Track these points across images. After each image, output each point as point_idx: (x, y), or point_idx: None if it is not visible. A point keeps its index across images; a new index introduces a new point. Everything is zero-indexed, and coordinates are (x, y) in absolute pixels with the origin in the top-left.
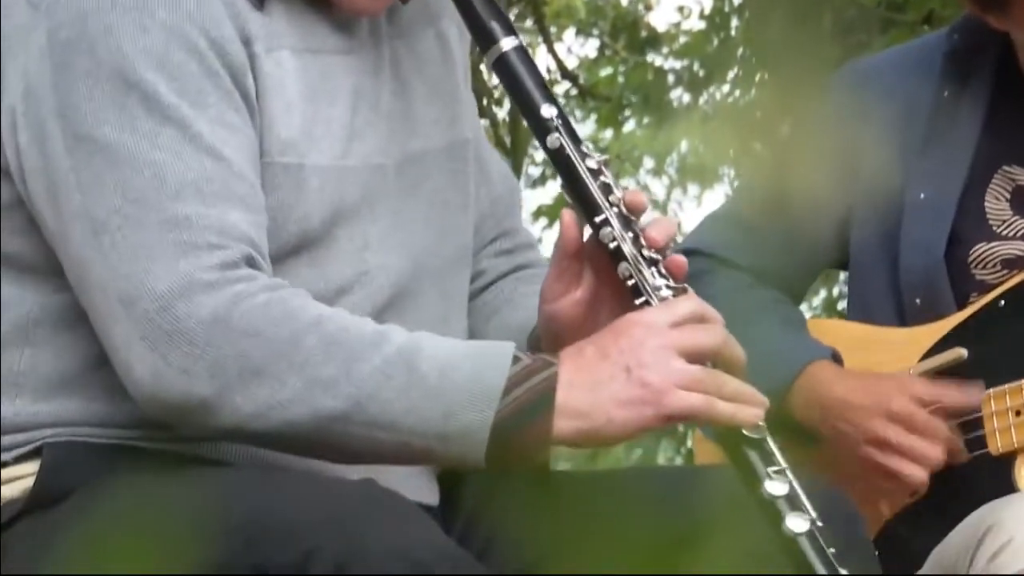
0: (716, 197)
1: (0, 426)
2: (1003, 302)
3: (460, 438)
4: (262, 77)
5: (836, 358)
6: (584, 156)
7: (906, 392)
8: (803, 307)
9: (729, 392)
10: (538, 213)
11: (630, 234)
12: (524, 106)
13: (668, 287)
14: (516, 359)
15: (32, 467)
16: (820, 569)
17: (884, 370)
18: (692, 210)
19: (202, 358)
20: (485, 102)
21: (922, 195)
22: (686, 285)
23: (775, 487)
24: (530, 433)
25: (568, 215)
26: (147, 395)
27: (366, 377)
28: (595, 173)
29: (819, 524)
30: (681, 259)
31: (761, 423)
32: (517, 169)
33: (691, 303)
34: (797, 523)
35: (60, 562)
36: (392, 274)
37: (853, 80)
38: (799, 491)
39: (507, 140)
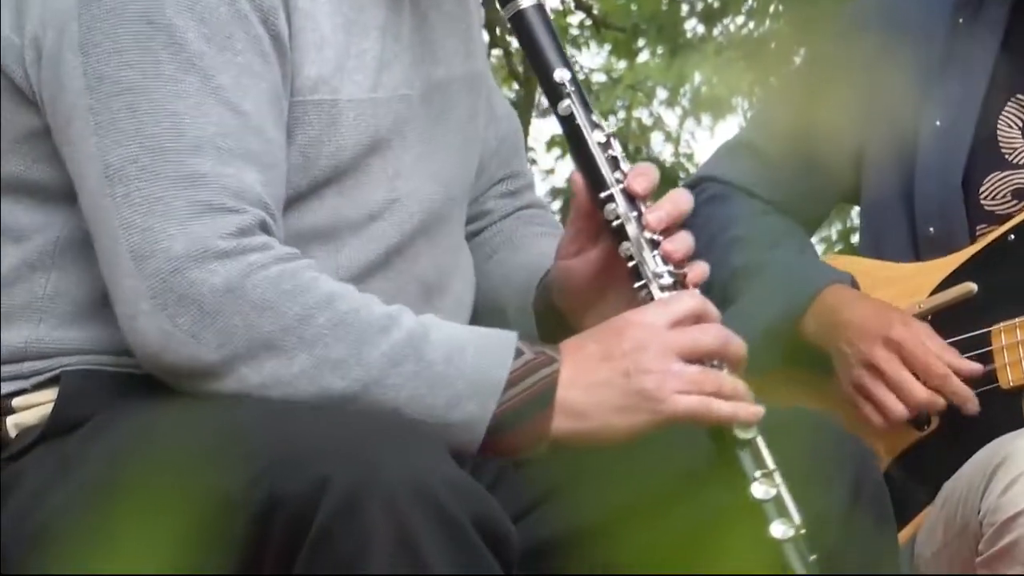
0: (729, 128)
1: (24, 352)
2: (1013, 236)
3: (459, 427)
4: (297, 15)
5: (854, 284)
6: (594, 127)
7: (911, 324)
8: (815, 240)
9: (728, 390)
10: (552, 143)
11: (634, 212)
12: (538, 67)
13: (670, 273)
14: (519, 352)
15: (51, 394)
16: None
17: (896, 305)
18: (705, 141)
19: (212, 326)
20: (498, 31)
21: (937, 122)
22: (686, 271)
23: (762, 490)
24: (527, 429)
25: (579, 177)
26: (151, 354)
27: (375, 362)
28: (603, 146)
29: (803, 531)
30: (684, 242)
31: (755, 423)
32: (529, 98)
33: (691, 301)
34: (781, 529)
35: (75, 489)
36: (422, 201)
37: (867, 9)
38: (785, 495)
39: (520, 70)
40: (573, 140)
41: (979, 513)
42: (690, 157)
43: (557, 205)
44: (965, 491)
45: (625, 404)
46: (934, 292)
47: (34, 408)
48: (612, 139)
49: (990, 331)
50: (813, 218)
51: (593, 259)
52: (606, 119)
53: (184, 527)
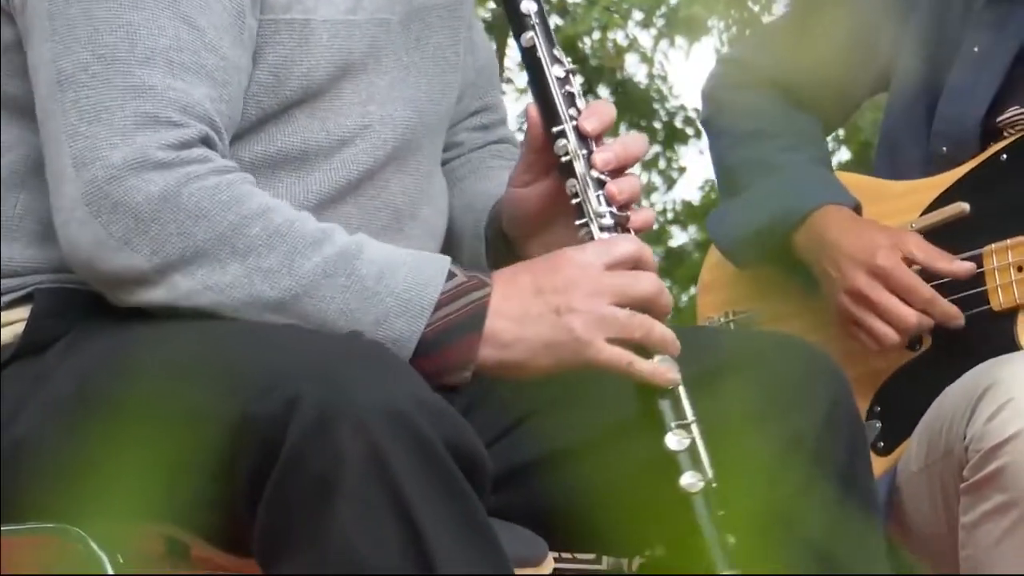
0: (705, 51)
1: None
2: (1005, 156)
3: (388, 345)
4: None
5: (857, 209)
6: (554, 61)
7: (897, 248)
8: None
9: (655, 339)
10: None
11: (584, 151)
12: None
13: (612, 215)
14: (451, 275)
15: (24, 312)
16: (708, 532)
17: (886, 223)
18: (680, 63)
19: (146, 233)
20: None
21: (976, 48)
22: (628, 214)
23: (675, 441)
24: (455, 351)
25: (534, 111)
26: (83, 260)
27: (307, 272)
28: (561, 81)
29: (714, 485)
30: (629, 185)
31: (678, 375)
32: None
33: (630, 245)
34: (692, 481)
35: (48, 405)
36: (396, 127)
37: None
38: (700, 447)
39: None
40: (532, 72)
41: (964, 439)
42: (664, 78)
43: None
44: (950, 415)
45: (552, 340)
46: (927, 211)
47: (7, 326)
48: (571, 75)
49: (981, 252)
50: (837, 115)
51: (543, 191)
52: (582, 41)
53: (156, 444)
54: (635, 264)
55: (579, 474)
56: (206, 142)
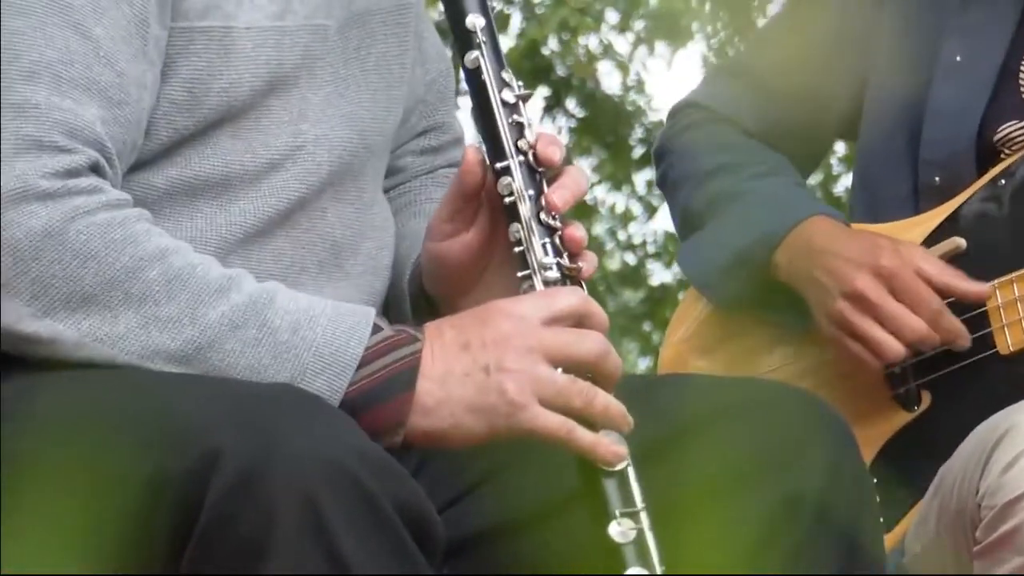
0: (689, 58)
1: None
2: (1003, 181)
3: None
4: None
5: (846, 224)
6: (503, 85)
7: (902, 255)
8: None
9: (597, 409)
10: None
11: (531, 191)
12: (451, 10)
13: (560, 266)
14: (376, 328)
15: None
16: None
17: None
18: (660, 72)
19: (26, 273)
20: None
21: (958, 57)
22: (581, 265)
23: (619, 531)
24: (383, 413)
25: (473, 153)
26: None
27: (212, 323)
28: (509, 108)
29: None
30: (579, 233)
31: (624, 453)
32: None
33: (574, 298)
34: None
35: None
36: (333, 149)
37: None
38: (649, 539)
39: None
40: (477, 98)
41: (977, 495)
42: (641, 89)
43: None
44: (961, 472)
45: (479, 403)
46: None
47: None
48: (522, 102)
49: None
50: (806, 156)
51: (468, 244)
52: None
53: (57, 507)
54: (579, 321)
55: (541, 545)
56: (96, 170)
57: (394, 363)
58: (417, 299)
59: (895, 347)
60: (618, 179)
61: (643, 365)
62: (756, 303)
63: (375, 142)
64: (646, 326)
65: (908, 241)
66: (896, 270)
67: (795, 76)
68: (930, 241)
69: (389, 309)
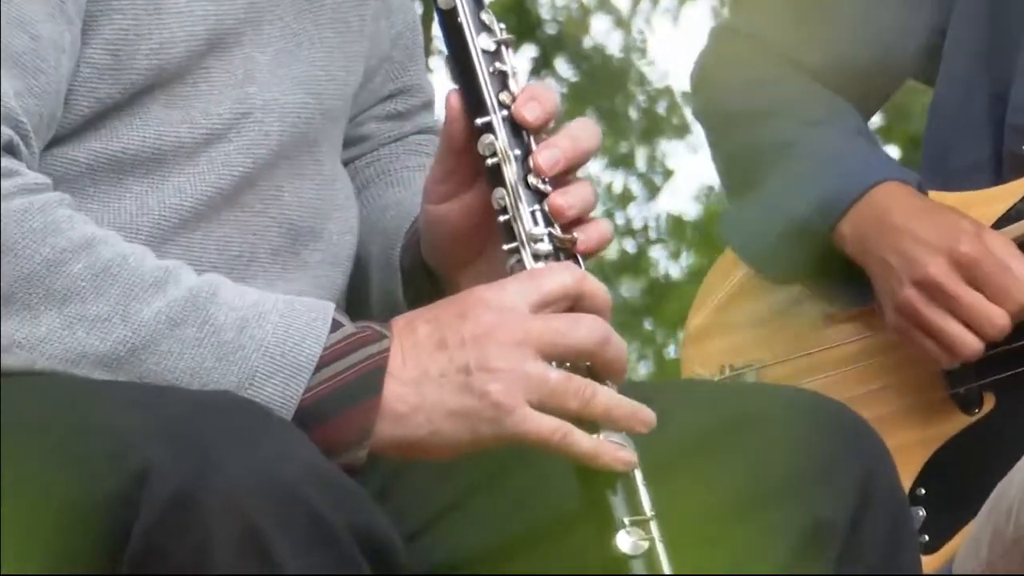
0: (698, 14)
1: None
2: None
3: None
4: None
5: (920, 187)
6: (482, 28)
7: (985, 242)
8: None
9: (597, 409)
10: None
11: (517, 151)
12: None
13: (553, 237)
14: (336, 324)
15: None
16: None
17: None
18: (666, 29)
19: None
20: None
21: None
22: (574, 234)
23: (629, 543)
24: (345, 424)
25: (456, 98)
26: None
27: (146, 321)
28: (490, 56)
29: None
30: (581, 196)
31: (632, 460)
32: None
33: (565, 276)
34: None
35: None
36: (285, 115)
37: None
38: (661, 551)
39: None
40: (452, 44)
41: None
42: (643, 51)
43: None
44: (1021, 492)
45: (460, 408)
46: (997, 224)
47: None
48: (505, 48)
49: None
50: (868, 99)
51: (469, 204)
52: None
53: None
54: (574, 303)
55: (533, 573)
56: (10, 150)
57: (358, 364)
58: (413, 273)
59: (971, 343)
60: (615, 154)
61: (643, 371)
62: (812, 275)
63: (333, 107)
64: (647, 323)
65: (987, 227)
66: (978, 257)
67: (860, 6)
68: (1009, 218)
69: (368, 289)
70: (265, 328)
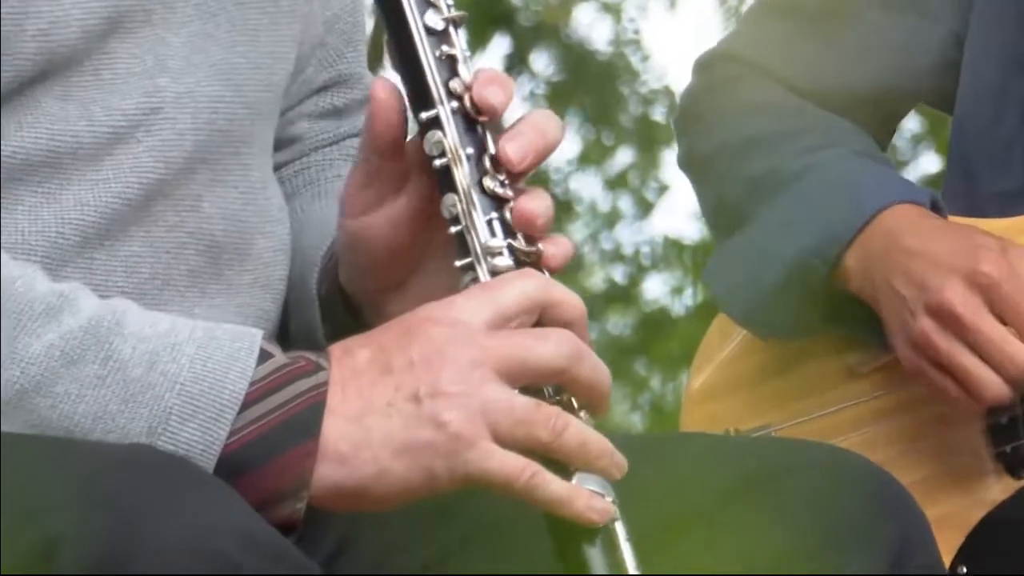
0: (699, 1)
1: None
2: None
3: None
4: None
5: (936, 207)
6: (427, 6)
7: (1010, 260)
8: None
9: (573, 443)
10: None
11: (470, 149)
12: None
13: (514, 250)
14: (265, 354)
15: None
16: None
17: None
18: (660, 16)
19: None
20: None
21: None
22: (540, 247)
23: None
24: (277, 472)
25: (384, 85)
26: None
27: (37, 358)
28: (437, 36)
29: None
30: (536, 205)
31: (611, 510)
32: None
33: (526, 283)
34: None
35: None
36: (201, 110)
37: None
38: None
39: None
40: (391, 23)
41: None
42: (637, 43)
43: None
44: None
45: (412, 442)
46: None
47: None
48: (453, 28)
49: None
50: (875, 126)
51: (397, 215)
52: None
53: None
54: (541, 317)
55: None
56: None
57: (291, 401)
58: (330, 302)
59: (994, 384)
60: (602, 165)
61: (636, 423)
62: (814, 329)
63: (260, 100)
64: (639, 365)
65: (1015, 244)
66: (999, 279)
67: (868, 15)
68: None
69: (289, 326)
70: (180, 362)
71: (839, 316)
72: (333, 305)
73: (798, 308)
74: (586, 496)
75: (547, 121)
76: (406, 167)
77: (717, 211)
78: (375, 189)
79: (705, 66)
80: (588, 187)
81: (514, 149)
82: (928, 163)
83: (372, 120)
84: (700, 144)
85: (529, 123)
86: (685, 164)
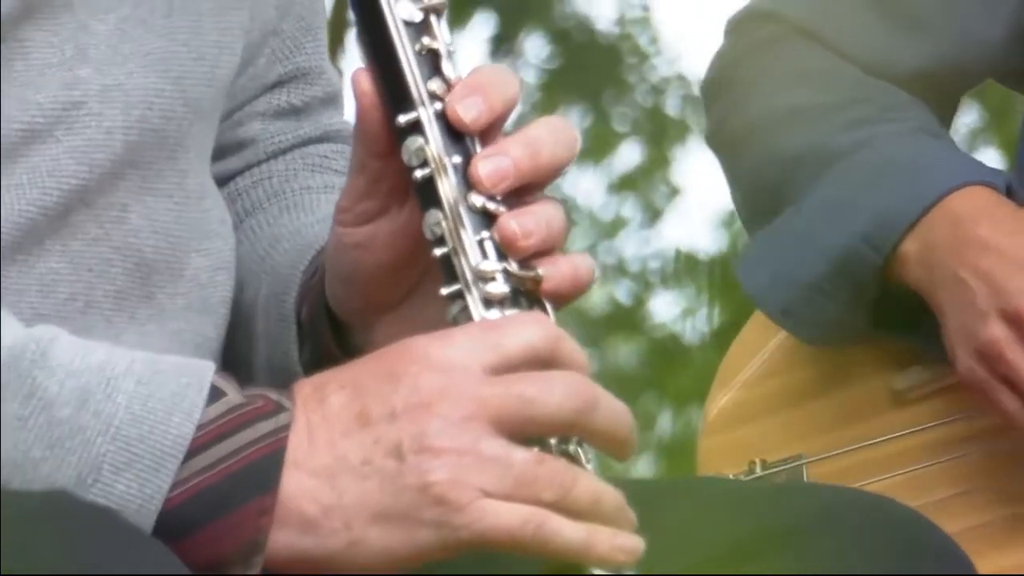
0: None
1: None
2: None
3: None
4: None
5: (1011, 191)
6: None
7: None
8: None
9: (584, 499)
10: None
11: (456, 158)
12: None
13: (509, 276)
14: (217, 392)
15: None
16: None
17: None
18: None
19: None
20: None
21: None
22: (538, 272)
23: None
24: (227, 530)
25: (367, 76)
26: None
27: None
28: (416, 29)
29: None
30: (543, 218)
31: (638, 548)
32: None
33: (532, 331)
34: None
35: None
36: (132, 107)
37: None
38: None
39: None
40: (363, 15)
41: None
42: (645, 22)
43: None
44: None
45: (393, 507)
46: None
47: None
48: (434, 18)
49: None
50: (935, 103)
51: (399, 227)
52: None
53: None
54: (546, 363)
55: None
56: None
57: (245, 448)
58: (314, 325)
59: None
60: (603, 165)
61: (643, 467)
62: (863, 330)
63: (202, 96)
64: (647, 400)
65: None
66: None
67: None
68: None
69: (253, 349)
70: (116, 400)
71: (890, 317)
72: (317, 327)
73: (845, 305)
74: (608, 535)
75: (550, 133)
76: (403, 174)
77: (752, 194)
78: (375, 198)
79: (740, 25)
80: (587, 190)
81: (486, 169)
82: (987, 160)
83: (362, 119)
84: (733, 116)
85: (521, 137)
86: (714, 139)
